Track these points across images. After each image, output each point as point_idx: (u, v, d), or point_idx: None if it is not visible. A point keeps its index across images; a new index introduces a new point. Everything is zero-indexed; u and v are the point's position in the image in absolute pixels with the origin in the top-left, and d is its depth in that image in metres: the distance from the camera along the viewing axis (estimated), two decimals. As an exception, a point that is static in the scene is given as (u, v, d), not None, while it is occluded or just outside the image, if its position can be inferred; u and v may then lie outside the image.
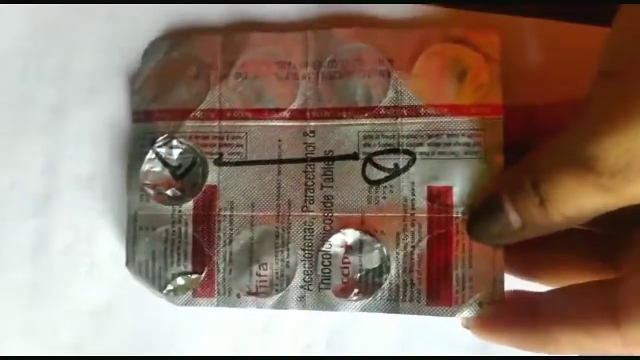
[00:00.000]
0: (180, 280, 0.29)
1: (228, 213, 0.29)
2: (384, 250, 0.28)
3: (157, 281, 0.29)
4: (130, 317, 0.31)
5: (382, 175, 0.28)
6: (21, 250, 0.30)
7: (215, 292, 0.29)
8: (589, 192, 0.21)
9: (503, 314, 0.26)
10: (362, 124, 0.28)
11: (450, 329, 0.28)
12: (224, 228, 0.29)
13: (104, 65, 0.30)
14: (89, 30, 0.30)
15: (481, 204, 0.26)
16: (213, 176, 0.29)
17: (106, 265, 0.30)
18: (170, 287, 0.29)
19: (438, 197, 0.28)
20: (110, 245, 0.30)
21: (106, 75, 0.30)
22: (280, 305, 0.29)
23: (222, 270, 0.29)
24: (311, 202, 0.29)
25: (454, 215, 0.27)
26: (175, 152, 0.30)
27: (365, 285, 0.28)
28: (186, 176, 0.30)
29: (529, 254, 0.27)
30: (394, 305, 0.28)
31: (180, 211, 0.29)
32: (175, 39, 0.30)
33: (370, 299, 0.28)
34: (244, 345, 0.32)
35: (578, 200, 0.21)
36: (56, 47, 0.29)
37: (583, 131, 0.21)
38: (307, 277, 0.28)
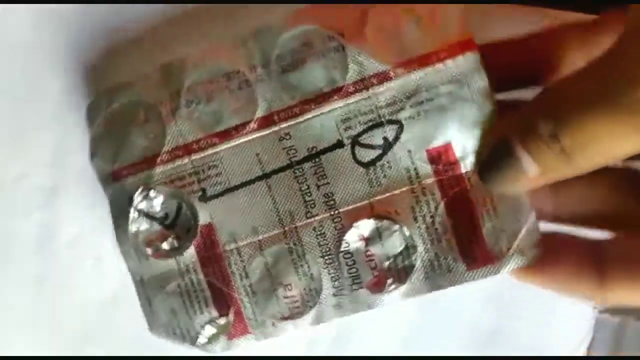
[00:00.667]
0: (210, 329, 0.28)
1: (233, 246, 0.27)
2: (404, 229, 0.26)
3: (187, 337, 0.28)
4: (136, 308, 0.30)
5: (374, 153, 0.26)
6: (28, 242, 0.30)
7: (250, 327, 0.28)
8: (629, 136, 0.19)
9: (561, 259, 0.24)
10: (335, 109, 0.26)
11: (456, 322, 0.27)
12: (235, 262, 0.27)
13: (105, 58, 0.29)
14: (93, 19, 0.29)
15: (490, 153, 0.24)
16: (204, 214, 0.27)
17: (112, 258, 0.29)
18: (202, 338, 0.28)
19: (440, 158, 0.25)
20: (114, 237, 0.29)
21: (110, 66, 0.29)
22: (318, 319, 0.27)
23: (248, 305, 0.27)
24: (312, 206, 0.27)
25: (463, 171, 0.25)
26: (157, 203, 0.28)
27: (397, 272, 0.26)
28: (177, 223, 0.28)
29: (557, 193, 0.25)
30: (433, 282, 0.26)
31: (184, 261, 0.28)
32: (111, 91, 0.28)
33: (407, 284, 0.26)
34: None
35: (611, 145, 0.19)
36: (60, 38, 0.29)
37: (622, 73, 0.19)
38: (336, 283, 0.27)
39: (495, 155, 0.23)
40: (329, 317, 0.27)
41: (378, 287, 0.27)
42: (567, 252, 0.25)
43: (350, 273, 0.27)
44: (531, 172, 0.22)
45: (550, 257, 0.25)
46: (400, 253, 0.26)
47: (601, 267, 0.23)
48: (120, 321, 0.31)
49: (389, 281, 0.26)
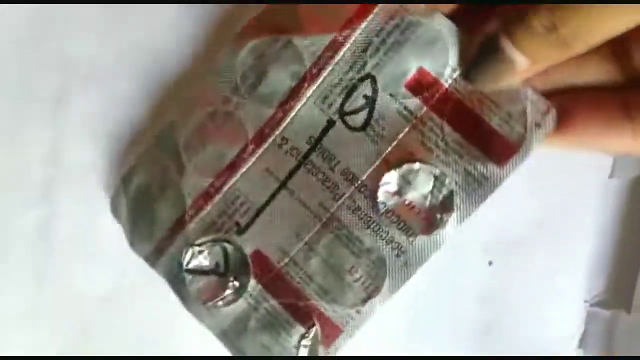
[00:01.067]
0: (306, 343, 0.28)
1: (286, 259, 0.28)
2: (424, 164, 0.26)
3: None
4: (135, 303, 0.30)
5: (363, 114, 0.27)
6: (24, 238, 0.29)
7: (339, 325, 0.28)
8: (628, 11, 0.19)
9: (591, 114, 0.24)
10: (311, 96, 0.27)
11: (448, 319, 0.27)
12: (295, 272, 0.28)
13: (102, 50, 0.29)
14: (86, 16, 0.29)
15: (477, 53, 0.24)
16: (247, 244, 0.28)
17: (109, 252, 0.30)
18: (303, 355, 0.28)
19: (420, 85, 0.26)
20: (112, 232, 0.29)
21: (105, 60, 0.29)
22: (395, 285, 0.27)
23: (327, 306, 0.28)
24: (336, 188, 0.27)
25: (446, 85, 0.26)
26: (203, 257, 0.29)
27: (440, 204, 0.27)
28: (229, 265, 0.29)
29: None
30: (477, 195, 0.26)
31: (251, 294, 0.28)
32: (124, 181, 0.30)
33: (455, 211, 0.26)
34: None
35: (610, 25, 0.20)
36: (53, 34, 0.29)
37: None
38: (392, 245, 0.27)
39: (483, 54, 0.24)
40: (404, 278, 0.27)
41: (430, 227, 0.27)
42: (595, 107, 0.25)
43: (400, 228, 0.27)
44: (521, 65, 0.22)
45: (580, 115, 0.25)
46: (434, 186, 0.27)
47: (633, 117, 0.23)
48: (121, 315, 0.31)
49: (438, 216, 0.27)
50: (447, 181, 0.26)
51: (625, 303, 0.30)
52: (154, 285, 0.29)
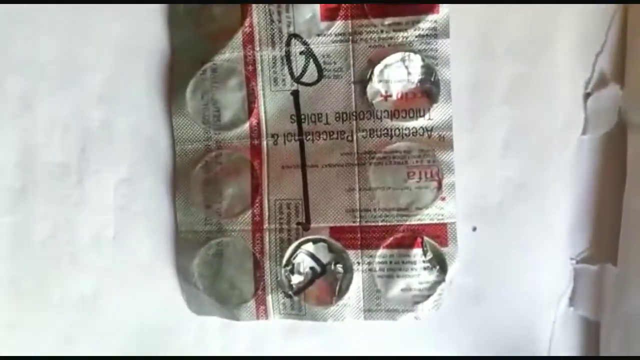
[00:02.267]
0: (429, 257, 0.29)
1: (357, 214, 0.29)
2: (386, 58, 0.29)
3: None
4: (118, 302, 0.30)
5: (312, 67, 0.29)
6: (1, 245, 0.29)
7: (439, 222, 0.29)
8: None
9: None
10: (264, 88, 0.29)
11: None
12: (373, 217, 0.29)
13: (70, 51, 0.29)
14: (53, 18, 0.29)
15: None
16: (320, 230, 0.29)
17: (89, 252, 0.29)
18: (439, 267, 0.29)
19: (331, 10, 0.29)
20: (90, 231, 0.29)
21: (73, 61, 0.29)
22: (449, 159, 0.29)
23: (418, 217, 0.29)
24: (342, 133, 0.29)
25: None
26: (297, 273, 0.30)
27: (423, 74, 0.29)
28: (321, 261, 0.30)
29: None
30: (437, 43, 0.29)
31: (359, 262, 0.29)
32: (185, 279, 0.30)
33: (436, 68, 0.29)
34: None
35: None
36: (21, 37, 0.29)
37: None
38: (420, 131, 0.29)
39: None
40: (448, 136, 0.29)
41: (432, 96, 0.29)
42: None
43: (413, 114, 0.29)
44: None
45: None
46: (407, 67, 0.29)
47: None
48: (103, 314, 0.30)
49: (429, 84, 0.29)
50: (412, 56, 0.29)
51: (610, 256, 0.30)
52: (137, 283, 0.29)
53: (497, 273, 0.31)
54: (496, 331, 0.31)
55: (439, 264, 0.29)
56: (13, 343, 0.30)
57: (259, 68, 0.29)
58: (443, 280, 0.29)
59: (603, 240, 0.31)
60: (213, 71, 0.29)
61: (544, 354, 0.32)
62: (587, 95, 0.30)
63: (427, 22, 0.29)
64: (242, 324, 0.30)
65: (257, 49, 0.29)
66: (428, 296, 0.29)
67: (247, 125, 0.30)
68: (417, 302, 0.29)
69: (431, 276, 0.29)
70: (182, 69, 0.30)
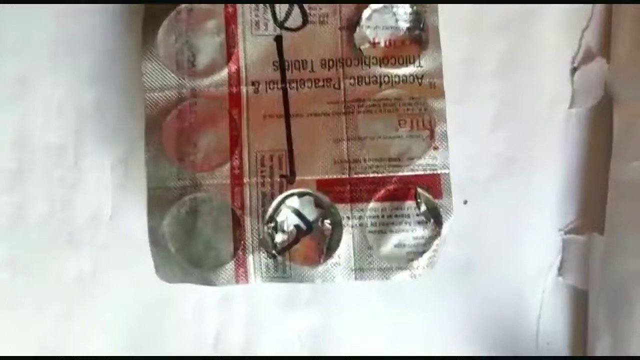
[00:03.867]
0: (423, 209, 0.27)
1: (346, 165, 0.27)
2: (376, 3, 0.28)
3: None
4: (116, 280, 0.30)
5: (297, 11, 0.28)
6: None
7: (432, 172, 0.28)
8: None
9: None
10: (244, 32, 0.28)
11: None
12: (363, 168, 0.28)
13: (64, 32, 0.29)
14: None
15: None
16: (306, 183, 0.27)
17: (86, 231, 0.30)
18: (436, 216, 0.27)
19: None
20: (87, 210, 0.29)
21: (66, 41, 0.29)
22: (442, 107, 0.28)
23: (411, 167, 0.27)
24: (329, 81, 0.28)
25: None
26: (281, 231, 0.27)
27: (412, 22, 0.28)
28: (306, 218, 0.27)
29: None
30: None
31: (349, 217, 0.27)
32: (155, 241, 0.27)
33: (425, 14, 0.28)
34: (231, 294, 0.32)
35: None
36: (14, 18, 0.28)
37: None
38: (410, 79, 0.28)
39: None
40: (439, 83, 0.28)
41: (421, 42, 0.28)
42: None
43: (403, 61, 0.28)
44: None
45: None
46: (394, 13, 0.28)
47: None
48: (101, 292, 0.31)
49: (418, 31, 0.28)
50: (401, 3, 0.28)
51: (597, 226, 0.31)
52: (134, 261, 0.28)
53: (487, 245, 0.31)
54: (487, 302, 0.31)
55: (434, 217, 0.27)
56: (12, 322, 0.30)
57: (239, 10, 0.27)
58: (438, 234, 0.27)
59: (590, 211, 0.32)
60: (189, 12, 0.27)
61: (534, 323, 0.32)
62: (574, 70, 0.31)
63: None
64: (240, 299, 0.29)
65: None
66: (423, 252, 0.27)
67: (225, 72, 0.27)
68: (412, 259, 0.27)
69: (426, 230, 0.27)
70: (155, 10, 0.27)
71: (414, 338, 0.32)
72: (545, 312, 0.32)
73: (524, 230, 0.31)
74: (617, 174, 0.30)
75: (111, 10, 0.30)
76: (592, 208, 0.31)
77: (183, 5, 0.27)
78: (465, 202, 0.30)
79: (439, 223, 0.27)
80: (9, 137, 0.29)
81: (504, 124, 0.30)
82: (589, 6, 0.31)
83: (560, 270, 0.32)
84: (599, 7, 0.31)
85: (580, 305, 0.32)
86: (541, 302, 0.32)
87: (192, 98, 0.27)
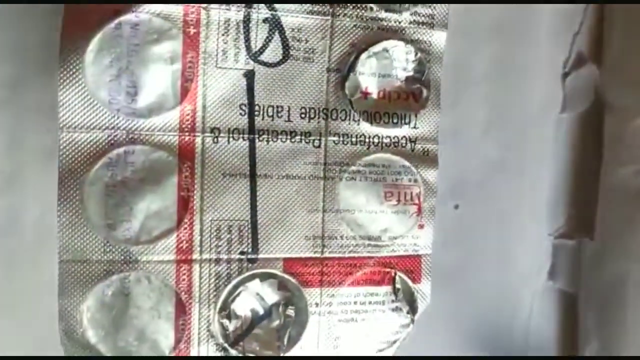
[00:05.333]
0: (400, 297, 0.24)
1: (319, 242, 0.23)
2: (378, 44, 0.22)
3: None
4: None
5: (276, 42, 0.22)
6: None
7: (413, 254, 0.24)
8: None
9: None
10: (206, 62, 0.21)
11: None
12: (338, 247, 0.23)
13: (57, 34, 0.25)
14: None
15: None
16: (270, 263, 0.22)
17: None
18: (409, 302, 0.24)
19: None
20: None
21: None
22: (433, 190, 0.24)
23: (391, 248, 0.24)
24: (308, 135, 0.22)
25: None
26: (235, 318, 0.22)
27: (415, 71, 0.23)
28: (266, 302, 0.23)
29: None
30: (434, 35, 0.23)
31: (317, 304, 0.23)
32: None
33: (427, 67, 0.23)
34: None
35: None
36: (6, 20, 0.26)
37: None
38: (403, 142, 0.23)
39: None
40: (433, 150, 0.24)
41: (420, 100, 0.23)
42: None
43: (397, 120, 0.23)
44: None
45: None
46: (393, 59, 0.23)
47: None
48: None
49: (418, 85, 0.23)
50: (403, 46, 0.23)
51: (587, 230, 0.31)
52: None
53: (478, 249, 0.30)
54: (478, 305, 0.31)
55: (409, 304, 0.24)
56: (7, 325, 0.28)
57: (203, 32, 0.20)
58: (412, 322, 0.24)
59: (581, 215, 0.31)
60: (134, 27, 0.20)
61: (525, 326, 0.32)
62: (565, 75, 0.31)
63: (426, 7, 0.23)
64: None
65: (205, 3, 0.20)
66: (393, 342, 0.24)
67: (176, 112, 0.21)
68: (381, 350, 0.24)
69: (399, 318, 0.24)
70: (83, 14, 0.19)
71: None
72: (535, 316, 0.32)
73: (515, 234, 0.31)
74: (608, 179, 0.30)
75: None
76: (582, 212, 0.31)
77: (126, 16, 0.19)
78: (457, 207, 0.29)
79: (413, 310, 0.24)
80: (3, 140, 0.27)
81: (495, 128, 0.29)
82: (580, 11, 0.30)
83: (551, 274, 0.32)
84: (590, 12, 0.31)
85: (570, 308, 0.32)
86: (531, 306, 0.32)
87: (129, 145, 0.20)
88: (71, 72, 0.19)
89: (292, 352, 0.23)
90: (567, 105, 0.31)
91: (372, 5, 0.22)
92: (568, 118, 0.31)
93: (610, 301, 0.30)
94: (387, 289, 0.24)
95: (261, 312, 0.22)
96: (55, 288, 0.26)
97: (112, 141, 0.20)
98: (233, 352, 0.22)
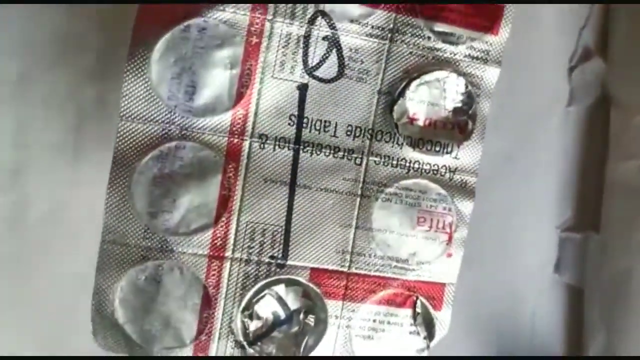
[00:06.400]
0: (419, 321, 0.24)
1: (348, 257, 0.24)
2: (426, 74, 0.23)
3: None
4: None
5: (333, 59, 0.22)
6: None
7: (438, 281, 0.24)
8: None
9: None
10: (264, 71, 0.22)
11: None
12: (366, 264, 0.24)
13: (65, 30, 0.28)
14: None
15: None
16: (297, 271, 0.23)
17: (85, 229, 0.28)
18: (422, 331, 0.24)
19: None
20: (86, 209, 0.28)
21: (67, 39, 0.27)
22: (467, 205, 0.24)
23: (416, 273, 0.24)
24: (351, 152, 0.23)
25: None
26: (257, 319, 0.23)
27: (463, 103, 0.23)
28: (288, 306, 0.23)
29: None
30: (487, 71, 0.23)
31: (337, 317, 0.24)
32: (98, 308, 0.22)
33: (476, 101, 0.23)
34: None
35: None
36: (14, 17, 0.27)
37: None
38: (442, 171, 0.24)
39: None
40: (471, 182, 0.24)
41: (465, 130, 0.24)
42: None
43: (440, 149, 0.23)
44: None
45: None
46: (444, 90, 0.23)
47: None
48: None
49: (464, 117, 0.24)
50: (455, 79, 0.23)
51: (593, 224, 0.31)
52: None
53: (484, 242, 0.30)
54: (484, 298, 0.31)
55: (427, 329, 0.24)
56: (11, 321, 0.28)
57: (265, 42, 0.21)
58: (427, 348, 0.24)
59: (587, 209, 0.32)
60: (201, 30, 0.21)
61: (530, 319, 0.32)
62: (571, 69, 0.31)
63: (482, 43, 0.23)
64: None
65: (270, 16, 0.21)
66: None
67: (229, 115, 0.22)
68: None
69: (415, 342, 0.24)
70: (155, 14, 0.20)
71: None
72: (541, 309, 0.32)
73: (521, 228, 0.31)
74: (614, 173, 0.30)
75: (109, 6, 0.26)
76: (588, 206, 0.31)
77: (194, 20, 0.20)
78: None
79: (430, 336, 0.24)
80: (10, 136, 0.27)
81: (502, 122, 0.29)
82: (587, 6, 0.30)
83: (557, 267, 0.32)
84: (597, 6, 0.31)
85: (576, 302, 0.32)
86: (537, 299, 0.32)
87: (181, 140, 0.21)
88: (138, 66, 0.21)
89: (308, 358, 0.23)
90: (573, 99, 0.31)
91: (430, 34, 0.23)
92: (574, 112, 0.31)
93: (616, 294, 0.30)
94: (407, 312, 0.24)
95: (282, 316, 0.23)
96: (61, 283, 0.28)
97: (166, 135, 0.21)
98: (250, 352, 0.23)
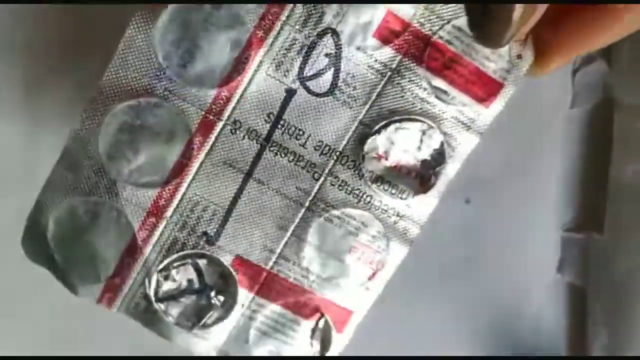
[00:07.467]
0: (318, 336, 0.26)
1: (274, 258, 0.25)
2: (410, 121, 0.23)
3: None
4: None
5: (328, 76, 0.23)
6: (7, 229, 0.28)
7: (348, 307, 0.26)
8: None
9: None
10: (260, 65, 0.22)
11: (427, 256, 0.27)
12: (288, 269, 0.25)
13: (73, 33, 0.28)
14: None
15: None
16: (224, 252, 0.24)
17: None
18: (317, 348, 0.26)
19: (390, 32, 0.22)
20: None
21: (75, 43, 0.28)
22: (402, 249, 0.25)
23: (331, 293, 0.25)
24: (313, 166, 0.24)
25: (416, 25, 0.22)
26: (171, 281, 0.24)
27: (432, 158, 0.24)
28: (205, 282, 0.25)
29: None
30: (467, 138, 0.24)
31: (244, 305, 0.25)
32: (33, 218, 0.23)
33: (448, 161, 0.24)
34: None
35: None
36: (22, 23, 0.27)
37: None
38: (390, 212, 0.25)
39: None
40: (408, 242, 0.25)
41: (425, 184, 0.24)
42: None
43: (394, 193, 0.24)
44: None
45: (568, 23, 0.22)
46: (422, 141, 0.24)
47: None
48: None
49: (430, 171, 0.24)
50: (435, 134, 0.24)
51: (596, 225, 0.31)
52: None
53: (487, 243, 0.31)
54: (487, 300, 0.32)
55: (322, 346, 0.26)
56: (20, 320, 0.29)
57: (270, 40, 0.22)
58: None
59: (590, 210, 0.32)
60: (214, 8, 0.21)
61: (534, 320, 0.33)
62: (574, 71, 0.31)
63: (471, 111, 0.24)
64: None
65: (284, 17, 0.22)
66: None
67: (214, 93, 0.22)
68: None
69: (308, 352, 0.26)
70: None
71: (413, 337, 0.32)
72: (544, 310, 0.33)
73: (524, 229, 0.32)
74: (617, 175, 0.31)
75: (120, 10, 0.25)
76: (591, 207, 0.32)
77: (210, 5, 0.21)
78: (468, 201, 0.30)
79: (322, 352, 0.26)
80: (18, 140, 0.28)
81: (506, 123, 0.29)
82: None
83: (560, 267, 0.33)
84: None
85: (579, 302, 0.33)
86: (540, 300, 0.32)
87: (161, 98, 0.22)
88: (147, 18, 0.21)
89: (202, 333, 0.25)
90: (576, 102, 0.31)
91: (427, 86, 0.23)
92: (577, 114, 0.31)
93: (619, 295, 0.31)
94: (308, 324, 0.25)
95: (196, 286, 0.24)
96: (65, 290, 0.27)
97: (149, 90, 0.22)
98: (154, 307, 0.24)
